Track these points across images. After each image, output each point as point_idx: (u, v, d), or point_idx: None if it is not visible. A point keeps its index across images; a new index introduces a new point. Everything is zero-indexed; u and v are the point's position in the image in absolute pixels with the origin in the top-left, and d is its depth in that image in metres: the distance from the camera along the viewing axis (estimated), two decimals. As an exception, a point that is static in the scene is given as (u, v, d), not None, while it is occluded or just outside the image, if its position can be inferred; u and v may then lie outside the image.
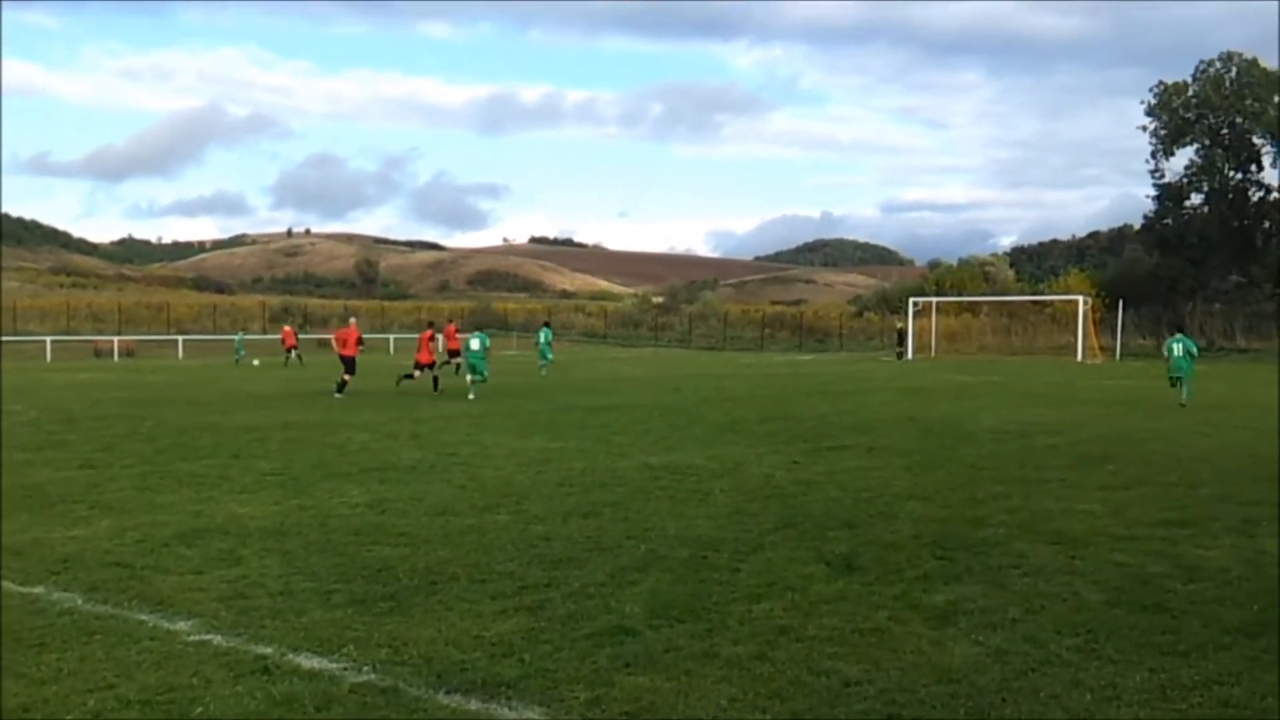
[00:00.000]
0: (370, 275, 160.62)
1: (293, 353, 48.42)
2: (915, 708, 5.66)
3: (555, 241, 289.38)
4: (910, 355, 55.42)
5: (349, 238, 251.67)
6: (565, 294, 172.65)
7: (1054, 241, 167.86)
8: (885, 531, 10.18)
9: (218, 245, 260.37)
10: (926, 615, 7.35)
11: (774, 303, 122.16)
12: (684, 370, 42.02)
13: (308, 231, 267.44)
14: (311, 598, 7.74)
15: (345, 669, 6.22)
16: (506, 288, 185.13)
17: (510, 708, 5.64)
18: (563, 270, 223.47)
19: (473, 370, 27.07)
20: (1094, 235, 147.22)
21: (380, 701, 5.71)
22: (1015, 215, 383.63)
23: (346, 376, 27.14)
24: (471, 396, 26.09)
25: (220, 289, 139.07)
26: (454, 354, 35.31)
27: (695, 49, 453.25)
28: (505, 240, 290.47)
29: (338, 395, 26.56)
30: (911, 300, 62.76)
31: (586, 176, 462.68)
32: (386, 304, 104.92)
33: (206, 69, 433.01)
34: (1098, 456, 15.69)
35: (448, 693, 5.83)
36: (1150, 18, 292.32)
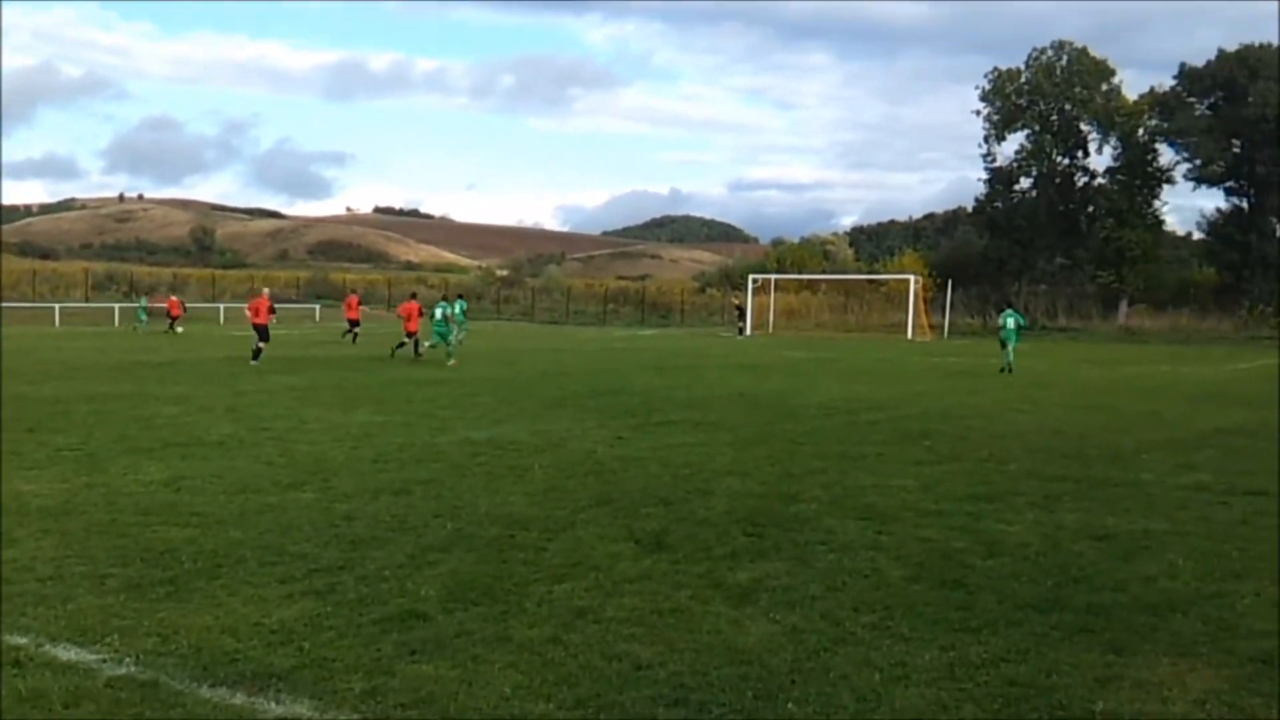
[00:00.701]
0: (206, 243, 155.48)
1: (175, 323, 47.25)
2: (704, 690, 5.53)
3: (401, 212, 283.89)
4: (750, 331, 55.98)
5: (184, 204, 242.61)
6: (410, 265, 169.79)
7: (892, 222, 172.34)
8: (700, 508, 10.10)
9: (45, 210, 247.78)
10: (728, 594, 7.25)
11: (620, 278, 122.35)
12: (523, 344, 41.64)
13: (140, 197, 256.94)
14: (82, 583, 7.24)
15: (104, 660, 5.79)
16: (349, 258, 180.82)
17: (278, 701, 5.31)
18: (408, 241, 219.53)
19: (441, 338, 30.10)
20: (930, 217, 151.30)
21: (135, 697, 5.31)
22: (858, 196, 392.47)
23: (261, 344, 28.16)
24: (452, 362, 28.73)
25: (46, 255, 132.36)
26: (354, 324, 38.84)
27: (548, 21, 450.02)
28: (349, 210, 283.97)
29: (254, 363, 27.33)
30: (751, 277, 63.42)
31: (435, 147, 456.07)
32: (219, 273, 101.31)
33: (43, 27, 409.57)
34: (916, 432, 15.97)
35: (212, 686, 5.47)
36: (993, 7, 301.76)
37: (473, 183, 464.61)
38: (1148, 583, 7.65)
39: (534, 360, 31.17)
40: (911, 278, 58.51)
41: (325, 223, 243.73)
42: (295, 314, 66.77)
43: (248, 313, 31.18)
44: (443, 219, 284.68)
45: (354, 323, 39.04)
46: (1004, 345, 30.40)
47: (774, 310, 62.39)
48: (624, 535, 8.89)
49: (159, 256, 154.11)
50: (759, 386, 23.67)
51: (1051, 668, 5.93)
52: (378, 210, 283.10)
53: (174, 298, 53.08)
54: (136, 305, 54.83)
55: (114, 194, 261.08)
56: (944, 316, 59.14)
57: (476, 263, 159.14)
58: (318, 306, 67.47)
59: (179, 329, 46.53)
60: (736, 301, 60.39)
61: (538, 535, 8.82)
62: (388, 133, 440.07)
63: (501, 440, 14.31)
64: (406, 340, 30.66)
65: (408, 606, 6.83)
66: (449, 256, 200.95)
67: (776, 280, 66.16)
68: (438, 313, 30.73)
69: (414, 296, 33.14)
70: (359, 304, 40.92)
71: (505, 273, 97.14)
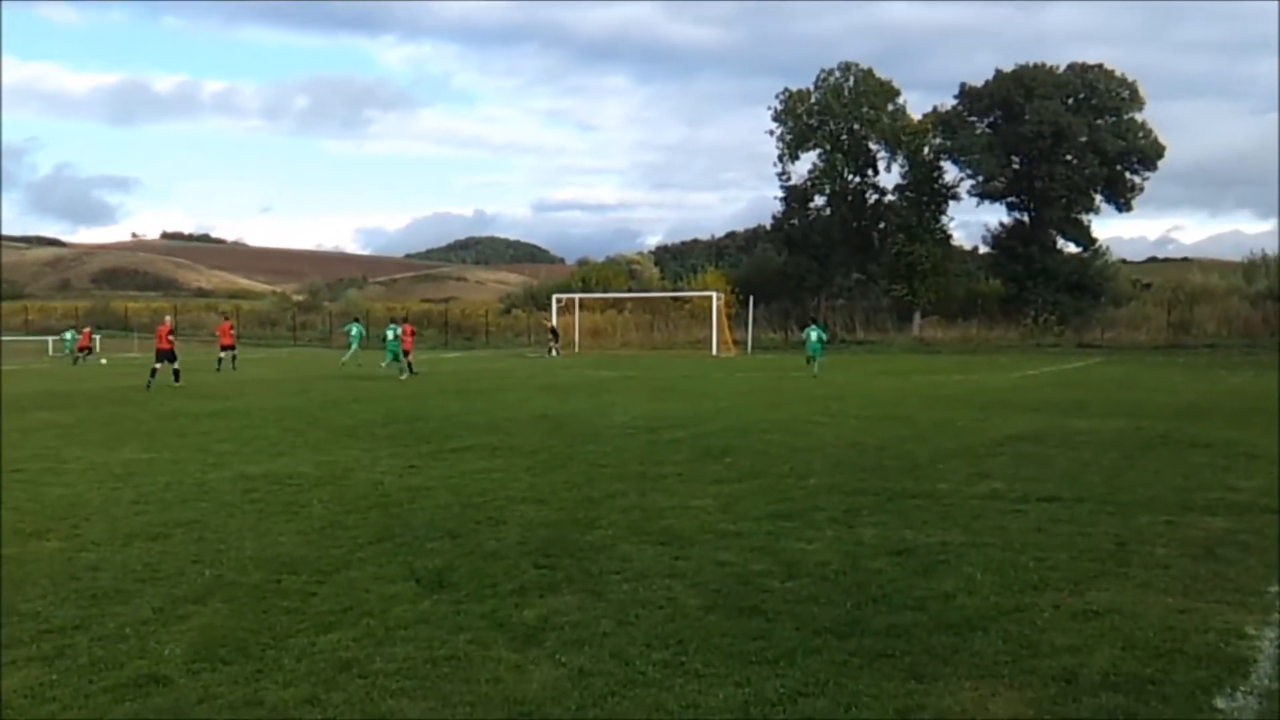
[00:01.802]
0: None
1: (84, 353, 48.71)
2: (477, 752, 4.94)
3: (190, 237, 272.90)
4: (555, 352, 55.41)
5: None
6: (202, 292, 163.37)
7: (695, 241, 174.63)
8: (490, 539, 9.49)
9: None
10: (513, 635, 6.68)
11: (424, 300, 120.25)
12: (318, 371, 40.09)
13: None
14: None
15: None
16: (136, 286, 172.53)
17: (-35, 800, 4.49)
18: (199, 268, 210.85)
19: (394, 357, 35.18)
20: (731, 235, 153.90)
21: None
22: (661, 215, 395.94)
23: (165, 365, 30.56)
24: (404, 376, 33.63)
25: None
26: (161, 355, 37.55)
27: (342, 43, 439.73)
28: (134, 236, 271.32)
29: (178, 384, 29.93)
30: (555, 297, 63.08)
31: (226, 171, 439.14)
32: (11, 304, 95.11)
33: None
34: (718, 449, 15.71)
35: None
36: (781, 31, 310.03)
37: (267, 206, 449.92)
38: (947, 600, 7.41)
39: (327, 388, 29.90)
40: (714, 294, 59.13)
41: (109, 250, 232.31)
42: (29, 347, 63.09)
43: (156, 339, 32.76)
44: (236, 244, 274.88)
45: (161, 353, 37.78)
46: (810, 360, 34.89)
47: (580, 330, 62.16)
48: (404, 574, 8.22)
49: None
50: (562, 407, 23.17)
51: (851, 699, 5.57)
52: (165, 236, 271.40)
53: (86, 329, 53.68)
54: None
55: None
56: (747, 332, 59.93)
57: (272, 288, 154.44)
58: (98, 337, 63.79)
59: (83, 357, 47.36)
60: (549, 324, 59.31)
61: (307, 579, 8.07)
62: (175, 156, 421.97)
63: (280, 474, 13.39)
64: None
65: (147, 669, 6.03)
66: (243, 282, 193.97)
67: (583, 300, 66.00)
68: (389, 334, 35.94)
69: (225, 317, 34.63)
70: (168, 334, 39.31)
71: (302, 298, 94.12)
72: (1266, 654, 6.27)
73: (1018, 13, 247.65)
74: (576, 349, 58.75)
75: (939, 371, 37.56)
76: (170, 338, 31.50)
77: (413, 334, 37.05)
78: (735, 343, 58.02)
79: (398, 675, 5.95)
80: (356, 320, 46.39)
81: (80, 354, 48.74)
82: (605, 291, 72.22)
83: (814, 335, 36.24)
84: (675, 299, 69.91)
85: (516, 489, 12.27)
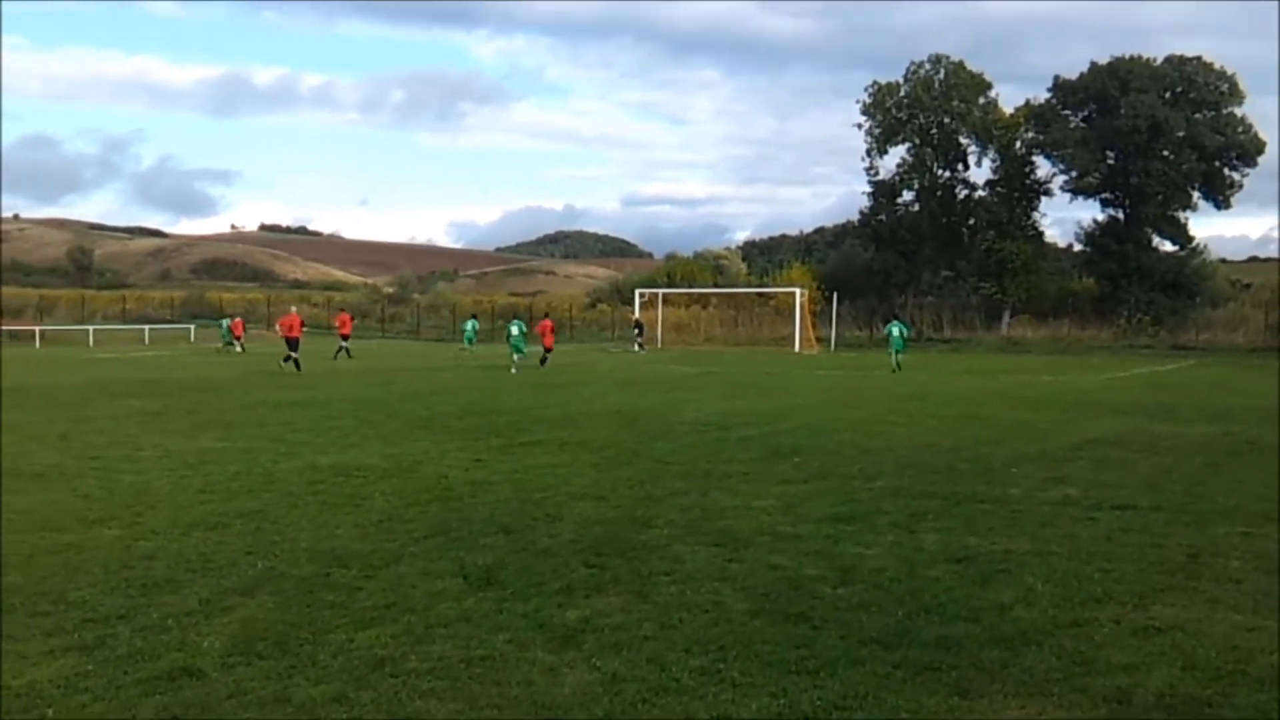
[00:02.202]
0: (84, 263, 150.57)
1: (237, 343, 49.73)
2: (497, 758, 4.86)
3: (288, 230, 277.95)
4: (640, 347, 54.91)
5: (61, 223, 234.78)
6: (297, 283, 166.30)
7: (783, 236, 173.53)
8: (544, 536, 9.43)
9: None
10: (552, 636, 6.59)
11: (512, 294, 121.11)
12: (402, 363, 40.52)
13: (16, 217, 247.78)
14: None
15: None
16: (233, 276, 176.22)
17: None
18: (294, 259, 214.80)
19: (516, 350, 35.77)
20: (820, 231, 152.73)
21: None
22: (750, 210, 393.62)
23: (293, 354, 31.75)
24: (514, 371, 33.69)
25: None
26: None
27: (436, 37, 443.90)
28: (234, 228, 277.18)
29: (296, 370, 31.14)
30: (638, 291, 62.92)
31: (324, 163, 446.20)
32: (89, 293, 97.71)
33: None
34: (788, 449, 15.49)
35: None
36: (874, 23, 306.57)
37: (364, 199, 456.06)
38: (1003, 611, 7.16)
39: (408, 380, 30.18)
40: (797, 291, 58.59)
41: (209, 241, 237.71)
42: (169, 335, 64.73)
43: (279, 329, 34.47)
44: (332, 236, 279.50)
45: (344, 338, 42.57)
46: (893, 353, 36.67)
47: (663, 325, 62.03)
48: (453, 570, 8.18)
49: (35, 278, 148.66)
50: (636, 403, 23.09)
51: (890, 715, 5.38)
52: (264, 228, 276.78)
53: (238, 319, 55.02)
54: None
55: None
56: (831, 329, 59.31)
57: (365, 280, 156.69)
58: (192, 327, 65.32)
59: (240, 347, 48.81)
60: (634, 318, 59.06)
61: (356, 573, 8.07)
62: (275, 149, 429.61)
63: (348, 466, 13.48)
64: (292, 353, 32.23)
65: (183, 662, 6.05)
66: (338, 274, 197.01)
67: (667, 295, 65.85)
68: (514, 329, 37.06)
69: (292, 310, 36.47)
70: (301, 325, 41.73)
71: (392, 290, 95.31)
72: (1338, 678, 5.94)
73: (1118, 6, 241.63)
74: (659, 344, 58.60)
75: (1025, 371, 36.78)
76: (300, 327, 33.20)
77: (553, 329, 40.28)
78: (818, 340, 57.43)
79: (430, 675, 5.90)
80: (517, 318, 46.26)
81: (235, 342, 50.19)
82: (689, 286, 72.00)
83: (896, 331, 37.65)
84: (760, 295, 69.42)
85: (579, 485, 12.20)
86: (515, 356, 35.57)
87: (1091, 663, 6.16)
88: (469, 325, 49.17)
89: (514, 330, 36.96)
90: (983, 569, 8.31)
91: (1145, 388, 29.12)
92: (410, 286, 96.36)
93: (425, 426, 18.16)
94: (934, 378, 32.99)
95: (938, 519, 10.33)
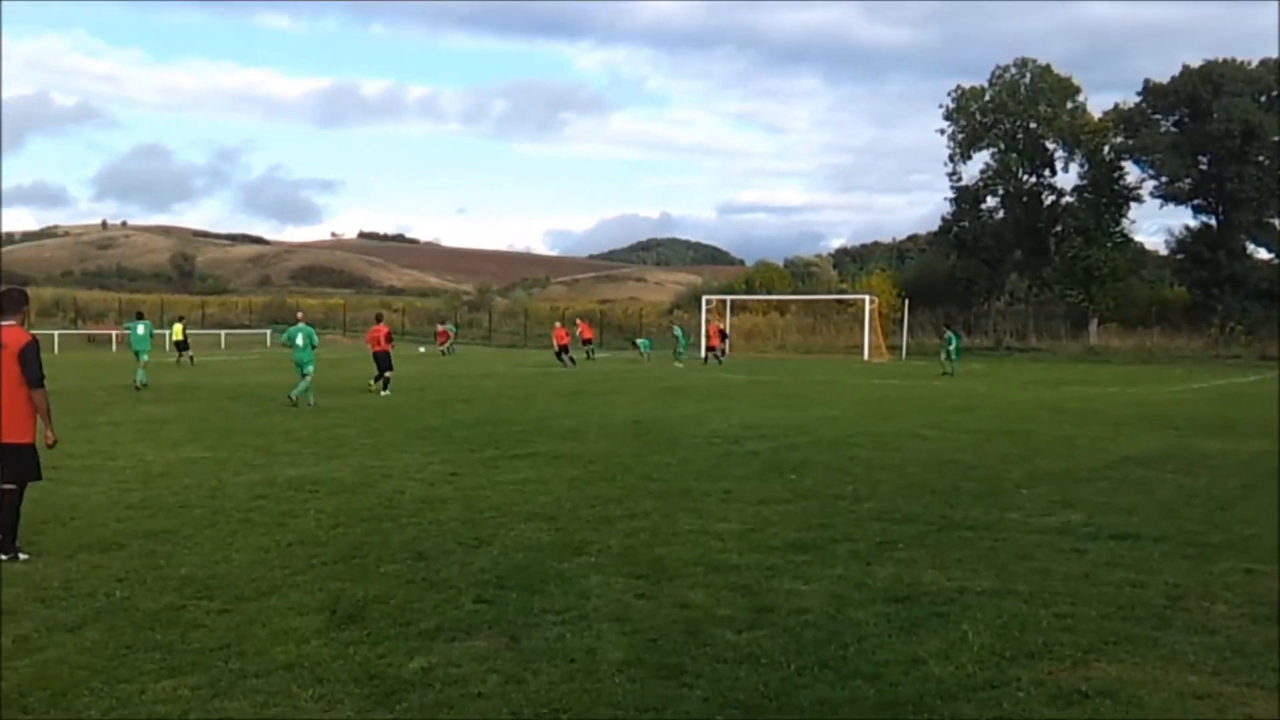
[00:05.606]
0: (186, 269, 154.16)
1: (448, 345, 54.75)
2: None
3: (386, 237, 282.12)
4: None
5: (166, 230, 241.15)
6: (393, 290, 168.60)
7: (876, 243, 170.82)
8: (454, 564, 8.58)
9: (28, 237, 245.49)
10: (370, 693, 5.75)
11: (601, 301, 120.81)
12: (457, 369, 40.08)
13: (124, 224, 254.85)
14: None
15: None
16: (331, 283, 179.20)
17: None
18: (391, 266, 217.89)
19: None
20: (913, 238, 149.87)
21: None
22: (847, 218, 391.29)
23: (387, 374, 26.65)
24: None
25: (25, 282, 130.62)
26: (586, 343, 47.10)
27: (540, 48, 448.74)
28: (333, 235, 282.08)
29: (385, 393, 26.15)
30: (705, 299, 61.67)
31: (426, 172, 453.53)
32: (190, 298, 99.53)
33: (34, 55, 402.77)
34: (791, 464, 14.47)
35: None
36: (975, 31, 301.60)
37: (463, 207, 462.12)
38: (912, 667, 6.12)
39: (447, 386, 29.62)
40: (867, 298, 57.02)
41: (309, 248, 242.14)
42: (244, 340, 65.39)
43: (367, 343, 28.91)
44: (431, 244, 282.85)
45: (563, 349, 43.26)
46: (948, 359, 39.01)
47: (735, 332, 60.92)
48: (326, 604, 7.38)
49: (140, 283, 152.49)
50: (661, 413, 22.17)
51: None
52: (362, 235, 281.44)
53: (441, 327, 58.31)
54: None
55: (98, 221, 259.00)
56: (903, 336, 57.60)
57: (458, 286, 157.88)
58: (268, 332, 65.84)
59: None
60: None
61: (216, 606, 7.31)
62: (379, 158, 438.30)
63: (309, 480, 12.81)
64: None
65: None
66: (433, 281, 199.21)
67: (745, 302, 64.76)
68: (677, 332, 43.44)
69: (379, 319, 28.92)
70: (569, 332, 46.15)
71: (470, 296, 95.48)
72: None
73: (1230, 11, 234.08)
74: (728, 352, 57.51)
75: (1097, 383, 34.97)
76: (388, 340, 27.57)
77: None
78: (890, 348, 55.70)
79: (196, 738, 5.08)
80: (677, 325, 50.04)
81: (446, 346, 54.99)
82: (769, 293, 70.78)
83: (953, 340, 40.82)
84: (840, 302, 67.86)
85: (538, 504, 11.35)
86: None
87: (984, 740, 5.12)
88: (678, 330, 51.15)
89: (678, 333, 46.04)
90: (919, 612, 7.26)
91: (1215, 400, 27.35)
92: (489, 293, 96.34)
93: (425, 437, 17.46)
94: (993, 388, 31.50)
95: (906, 548, 9.27)
